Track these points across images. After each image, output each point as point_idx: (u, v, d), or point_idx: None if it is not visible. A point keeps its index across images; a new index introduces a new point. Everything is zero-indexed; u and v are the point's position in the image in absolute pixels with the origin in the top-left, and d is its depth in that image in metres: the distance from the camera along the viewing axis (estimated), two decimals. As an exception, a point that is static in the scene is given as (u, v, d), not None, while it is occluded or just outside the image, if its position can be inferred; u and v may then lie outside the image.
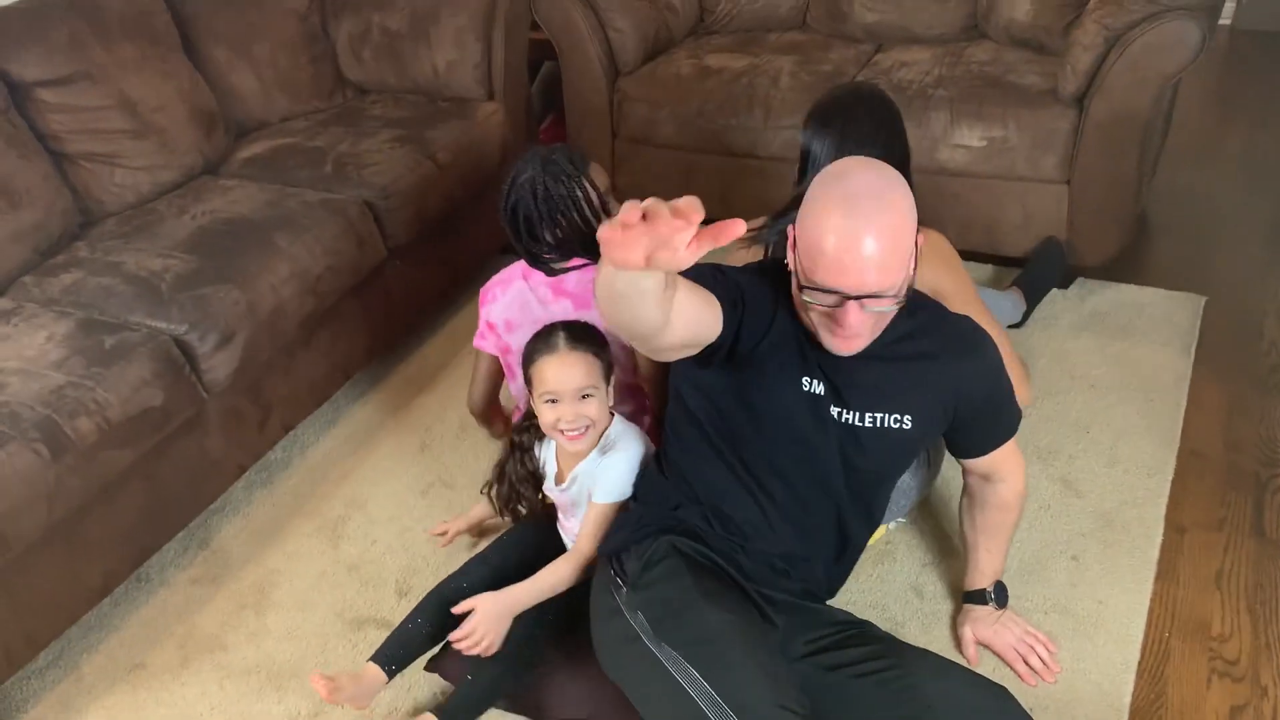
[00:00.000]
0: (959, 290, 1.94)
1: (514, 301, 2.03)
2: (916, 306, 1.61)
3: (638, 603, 1.59)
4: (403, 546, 2.23)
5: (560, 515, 1.97)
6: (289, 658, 2.00)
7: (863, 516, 1.75)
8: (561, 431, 1.78)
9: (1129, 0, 2.46)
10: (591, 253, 1.93)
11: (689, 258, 1.03)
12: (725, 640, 1.51)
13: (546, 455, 1.93)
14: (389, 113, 2.94)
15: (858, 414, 1.62)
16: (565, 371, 1.74)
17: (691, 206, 1.00)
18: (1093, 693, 1.79)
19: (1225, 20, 4.48)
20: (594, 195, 1.89)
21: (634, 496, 1.80)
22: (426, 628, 1.85)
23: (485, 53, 2.96)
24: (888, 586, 2.03)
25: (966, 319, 1.71)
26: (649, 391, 2.09)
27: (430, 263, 2.82)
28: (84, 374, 1.96)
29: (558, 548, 1.93)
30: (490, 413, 2.24)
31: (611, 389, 1.82)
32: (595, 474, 1.82)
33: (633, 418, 2.11)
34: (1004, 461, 1.78)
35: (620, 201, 1.98)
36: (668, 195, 3.30)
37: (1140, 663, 1.84)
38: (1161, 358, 2.55)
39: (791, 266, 1.51)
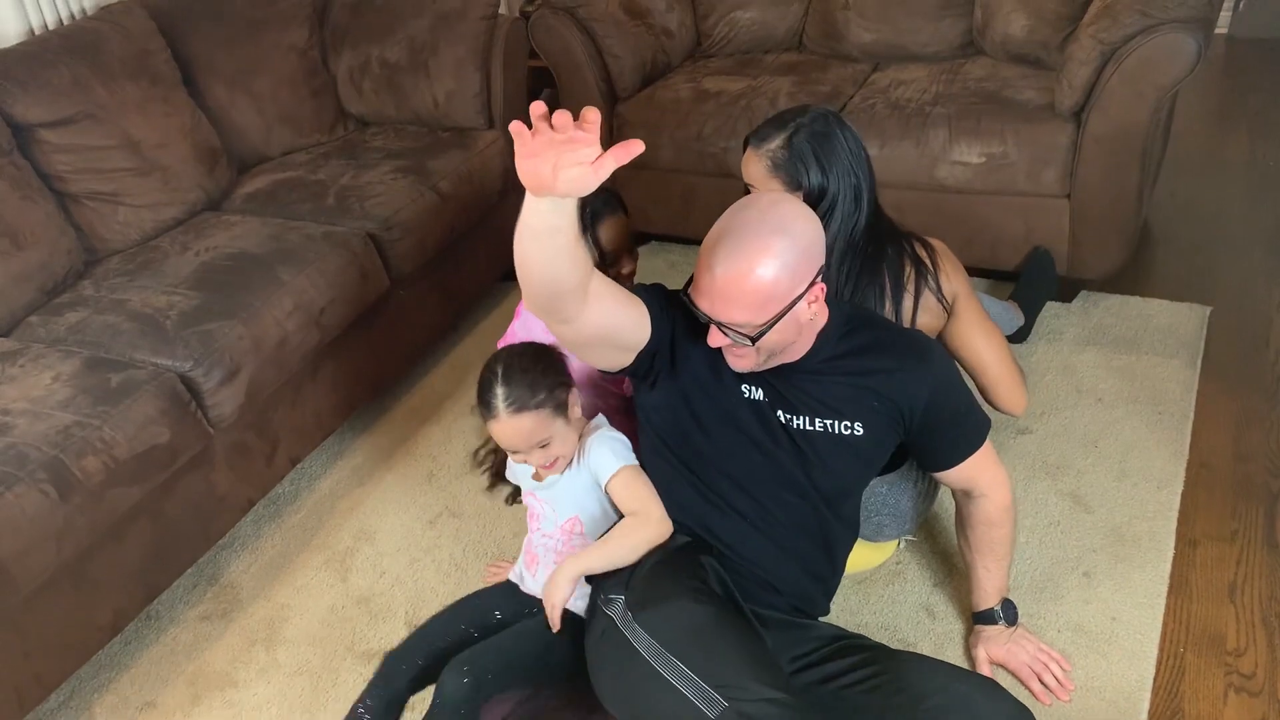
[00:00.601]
0: (968, 295, 1.93)
1: (526, 322, 2.04)
2: (855, 328, 1.66)
3: (631, 604, 1.56)
4: (412, 578, 2.23)
5: (532, 524, 1.84)
6: (301, 693, 1.99)
7: (838, 524, 1.74)
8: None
9: (1124, 14, 2.47)
10: None
11: (594, 176, 1.17)
12: (710, 630, 1.50)
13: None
14: (390, 144, 2.96)
15: (806, 419, 1.64)
16: (513, 435, 1.64)
17: (591, 111, 1.15)
18: (1108, 710, 1.78)
19: (1222, 29, 4.48)
20: (594, 255, 1.89)
21: None
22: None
23: (484, 82, 2.98)
24: (899, 607, 2.02)
25: (915, 332, 1.75)
26: None
27: (433, 293, 2.83)
28: (90, 413, 1.97)
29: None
30: None
31: (571, 404, 1.69)
32: (585, 469, 1.73)
33: (624, 411, 2.11)
34: (980, 474, 1.77)
35: (638, 258, 2.01)
36: (668, 219, 3.30)
37: (1155, 679, 1.83)
38: (1168, 370, 2.54)
39: None
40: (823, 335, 1.62)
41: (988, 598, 1.87)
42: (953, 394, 1.71)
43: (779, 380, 1.64)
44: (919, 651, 1.91)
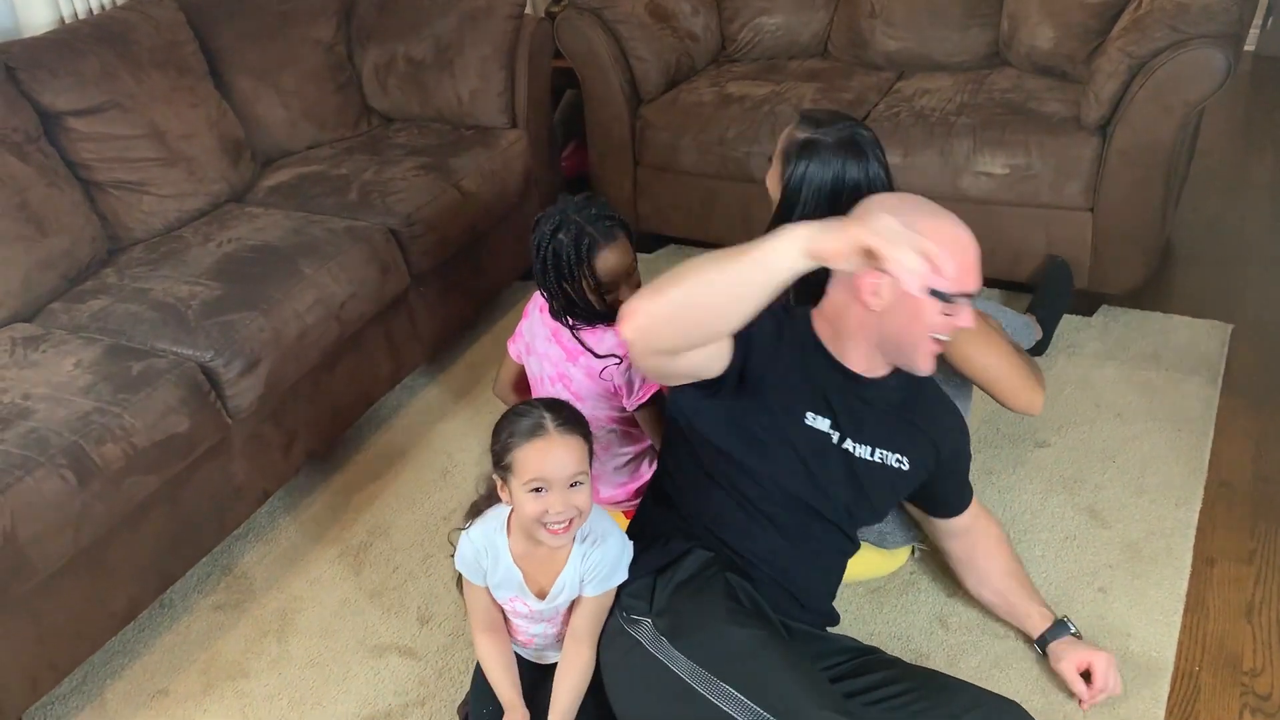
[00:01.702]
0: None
1: (533, 326, 2.04)
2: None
3: (663, 629, 1.56)
4: (425, 573, 2.23)
5: (517, 626, 1.74)
6: (311, 685, 2.00)
7: (852, 545, 1.78)
8: (545, 526, 1.54)
9: (1153, 28, 2.46)
10: (588, 320, 1.92)
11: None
12: (758, 655, 1.49)
13: (494, 559, 1.67)
14: (413, 141, 2.97)
15: (866, 448, 1.66)
16: (556, 457, 1.51)
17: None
18: (1122, 728, 1.77)
19: (1249, 46, 4.46)
20: (594, 286, 1.86)
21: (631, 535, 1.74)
22: None
23: (508, 82, 2.99)
24: (912, 618, 2.01)
25: (931, 381, 1.74)
26: (647, 431, 2.06)
27: (453, 290, 2.83)
28: (111, 400, 1.98)
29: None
30: (512, 398, 2.24)
31: (595, 479, 1.64)
32: (586, 569, 1.63)
33: (636, 459, 2.11)
34: (980, 510, 1.90)
35: (638, 286, 1.99)
36: (689, 223, 3.28)
37: (1170, 697, 1.81)
38: (1188, 386, 2.52)
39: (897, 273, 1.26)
40: None
41: (1043, 618, 1.87)
42: (967, 439, 1.81)
43: (846, 410, 1.64)
44: (933, 662, 1.91)
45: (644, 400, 1.98)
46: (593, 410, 2.02)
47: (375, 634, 2.10)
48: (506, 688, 1.71)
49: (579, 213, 1.88)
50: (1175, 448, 2.34)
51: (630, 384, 1.96)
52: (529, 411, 1.57)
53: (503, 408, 1.68)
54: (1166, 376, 2.56)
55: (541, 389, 2.07)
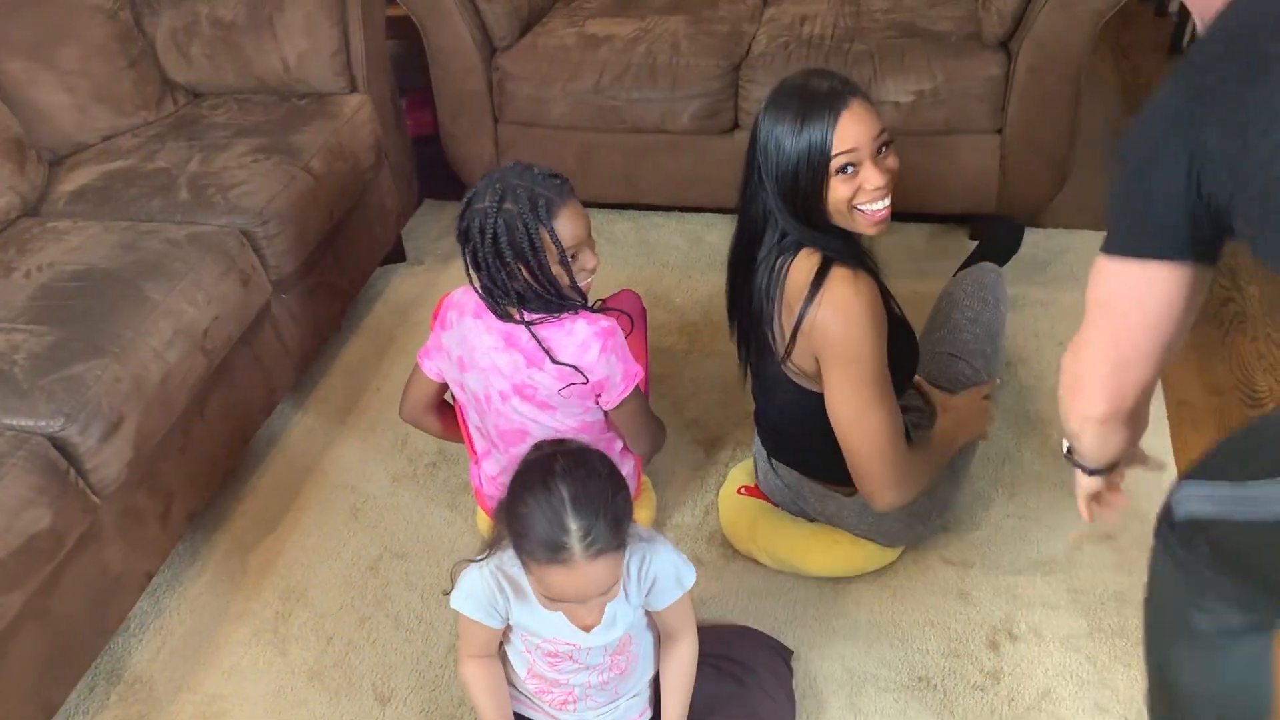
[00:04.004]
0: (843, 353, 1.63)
1: (468, 336, 1.71)
2: None
3: None
4: (368, 641, 1.88)
5: (556, 664, 1.48)
6: (267, 809, 1.64)
7: None
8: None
9: (1053, -65, 2.34)
10: (552, 308, 1.65)
11: None
12: None
13: (522, 596, 1.42)
14: (236, 119, 2.49)
15: None
16: (585, 585, 1.27)
17: None
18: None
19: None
20: (559, 252, 1.59)
21: None
22: None
23: (342, 39, 2.55)
24: (933, 598, 1.86)
25: None
26: (623, 431, 1.83)
27: (316, 291, 2.42)
28: (-57, 507, 1.51)
29: None
30: (427, 419, 1.93)
31: None
32: (645, 584, 1.43)
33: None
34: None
35: (598, 258, 1.70)
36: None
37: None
38: (1115, 304, 2.47)
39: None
40: None
41: None
42: None
43: None
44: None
45: (626, 395, 1.72)
46: (562, 420, 1.73)
47: (329, 726, 1.75)
48: (494, 717, 1.48)
49: (520, 177, 1.59)
50: (1125, 371, 2.28)
51: (610, 378, 1.68)
52: (554, 515, 1.23)
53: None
54: (1091, 296, 2.50)
55: (486, 410, 1.75)
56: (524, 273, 1.59)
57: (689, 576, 1.45)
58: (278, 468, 2.26)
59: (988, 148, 2.56)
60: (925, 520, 1.86)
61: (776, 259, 1.62)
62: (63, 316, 1.85)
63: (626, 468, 1.90)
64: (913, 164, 2.59)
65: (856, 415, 1.61)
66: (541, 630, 1.42)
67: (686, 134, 2.66)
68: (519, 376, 1.69)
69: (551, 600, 1.30)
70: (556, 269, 1.60)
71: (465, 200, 1.62)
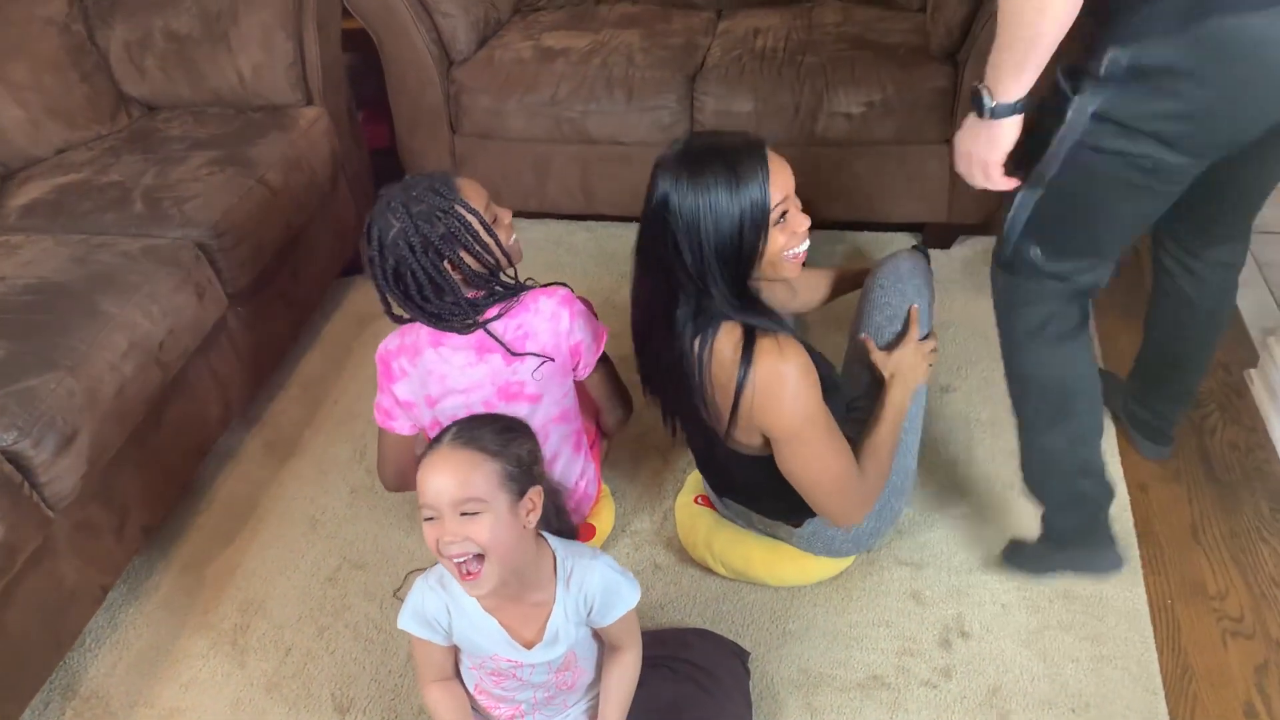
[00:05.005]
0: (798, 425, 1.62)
1: (431, 374, 1.72)
2: None
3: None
4: (326, 651, 1.88)
5: (498, 682, 1.48)
6: (226, 821, 1.63)
7: None
8: (451, 559, 1.31)
9: (997, -51, 2.39)
10: (503, 295, 1.68)
11: None
12: None
13: (459, 610, 1.42)
14: (192, 131, 2.49)
15: None
16: (441, 476, 1.28)
17: None
18: (1125, 679, 1.72)
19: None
20: (478, 218, 1.62)
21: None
22: None
23: (298, 51, 2.55)
24: (886, 599, 1.89)
25: None
26: (599, 396, 1.91)
27: (273, 303, 2.42)
28: (-107, 522, 1.50)
29: None
30: (414, 476, 1.92)
31: (530, 503, 1.35)
32: (587, 602, 1.43)
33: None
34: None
35: (507, 208, 1.75)
36: (521, 194, 3.00)
37: (1156, 637, 1.79)
38: (1062, 309, 2.53)
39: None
40: None
41: None
42: None
43: None
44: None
45: (599, 356, 1.81)
46: (547, 408, 1.77)
47: (287, 737, 1.75)
48: None
49: (403, 190, 1.62)
50: (1072, 374, 2.33)
51: (584, 342, 1.77)
52: (449, 426, 1.36)
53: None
54: (1039, 302, 2.56)
55: None
56: (467, 258, 1.61)
57: (631, 593, 1.45)
58: (235, 480, 2.25)
59: (938, 157, 2.60)
60: (878, 535, 1.88)
61: (694, 339, 1.55)
62: (15, 330, 1.85)
63: (589, 473, 1.93)
64: (864, 174, 2.66)
65: (816, 474, 1.61)
66: (482, 647, 1.43)
67: (642, 145, 2.68)
68: (502, 378, 1.70)
69: (422, 512, 1.30)
70: (485, 237, 1.63)
71: (374, 248, 1.60)
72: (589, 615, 1.44)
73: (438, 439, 1.34)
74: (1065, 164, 1.44)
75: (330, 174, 2.60)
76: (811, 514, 1.77)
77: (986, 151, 1.47)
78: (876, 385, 1.80)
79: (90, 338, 1.85)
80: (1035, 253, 1.55)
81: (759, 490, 1.78)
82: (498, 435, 1.34)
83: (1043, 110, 1.44)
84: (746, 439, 1.63)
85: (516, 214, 2.95)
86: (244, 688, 1.83)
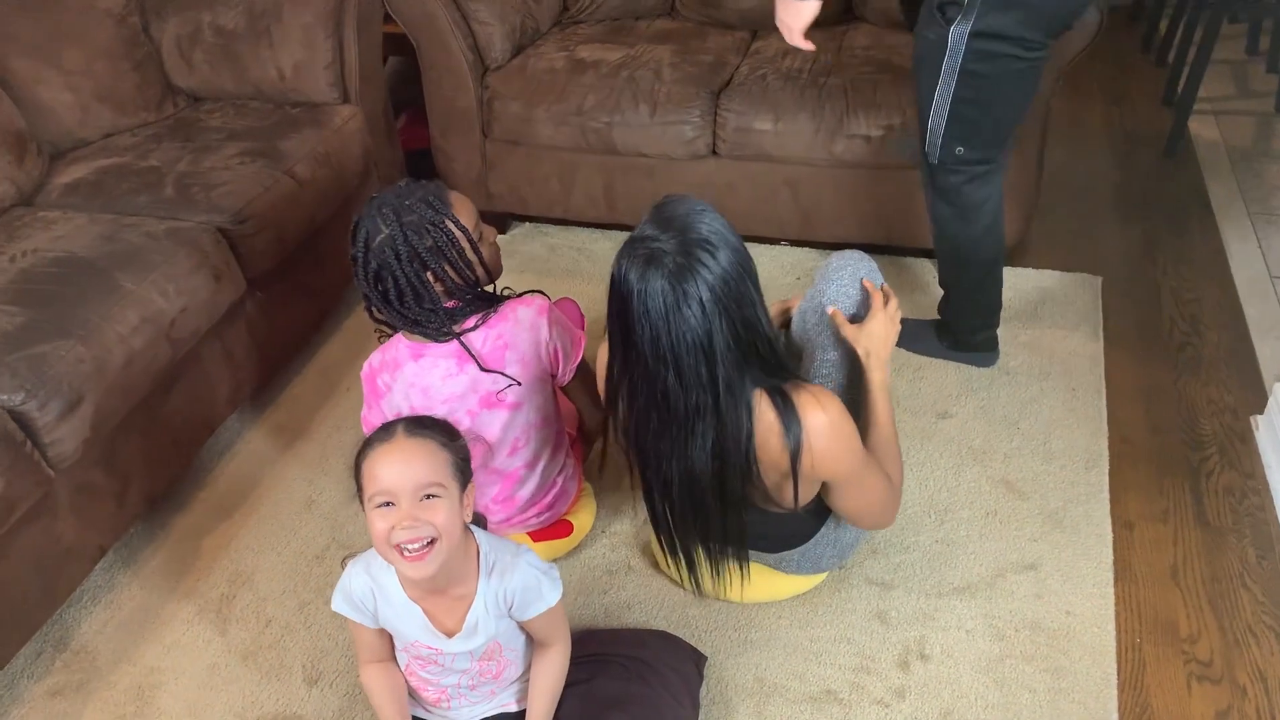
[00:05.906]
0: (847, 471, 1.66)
1: (413, 386, 1.78)
2: None
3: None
4: (304, 625, 1.95)
5: (424, 681, 1.56)
6: (187, 777, 1.71)
7: None
8: (399, 549, 1.35)
9: (1022, -20, 2.39)
10: (482, 305, 1.75)
11: None
12: None
13: (384, 597, 1.48)
14: (231, 123, 2.61)
15: None
16: (402, 463, 1.34)
17: None
18: (1080, 712, 1.71)
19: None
20: (466, 235, 1.68)
21: None
22: None
23: (337, 51, 2.66)
24: (850, 617, 1.90)
25: None
26: (578, 401, 1.96)
27: (294, 292, 2.52)
28: (-102, 468, 1.61)
29: None
30: None
31: (467, 499, 1.42)
32: (507, 597, 1.47)
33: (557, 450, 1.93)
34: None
35: (494, 228, 1.81)
36: (546, 200, 3.08)
37: (1119, 675, 1.77)
38: (1073, 343, 2.51)
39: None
40: None
41: None
42: None
43: None
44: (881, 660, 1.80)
45: (578, 362, 1.86)
46: (528, 415, 1.82)
47: (256, 704, 1.82)
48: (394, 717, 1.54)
49: (396, 196, 1.68)
50: (1073, 409, 2.32)
51: (562, 348, 1.81)
52: (391, 423, 1.40)
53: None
54: (1050, 334, 2.54)
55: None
56: (450, 272, 1.67)
57: (551, 591, 1.49)
58: (241, 459, 2.35)
59: (956, 184, 2.60)
60: (852, 548, 1.90)
61: (733, 438, 1.51)
62: (37, 299, 1.96)
63: (569, 468, 1.98)
64: (881, 198, 2.66)
65: (871, 499, 1.68)
66: (404, 633, 1.48)
67: (665, 159, 2.73)
68: (483, 387, 1.76)
69: (374, 500, 1.33)
70: (470, 255, 1.69)
71: (360, 248, 1.68)
72: (509, 610, 1.49)
73: (387, 432, 1.39)
74: (961, 77, 1.92)
75: (360, 171, 2.69)
76: (807, 539, 1.81)
77: (792, 20, 1.93)
78: (836, 351, 1.79)
79: (104, 310, 1.96)
80: (960, 150, 2.02)
81: (765, 534, 1.79)
82: (442, 432, 1.42)
83: (925, 43, 1.95)
84: (805, 496, 1.64)
85: (540, 220, 3.06)
86: (222, 654, 1.91)
